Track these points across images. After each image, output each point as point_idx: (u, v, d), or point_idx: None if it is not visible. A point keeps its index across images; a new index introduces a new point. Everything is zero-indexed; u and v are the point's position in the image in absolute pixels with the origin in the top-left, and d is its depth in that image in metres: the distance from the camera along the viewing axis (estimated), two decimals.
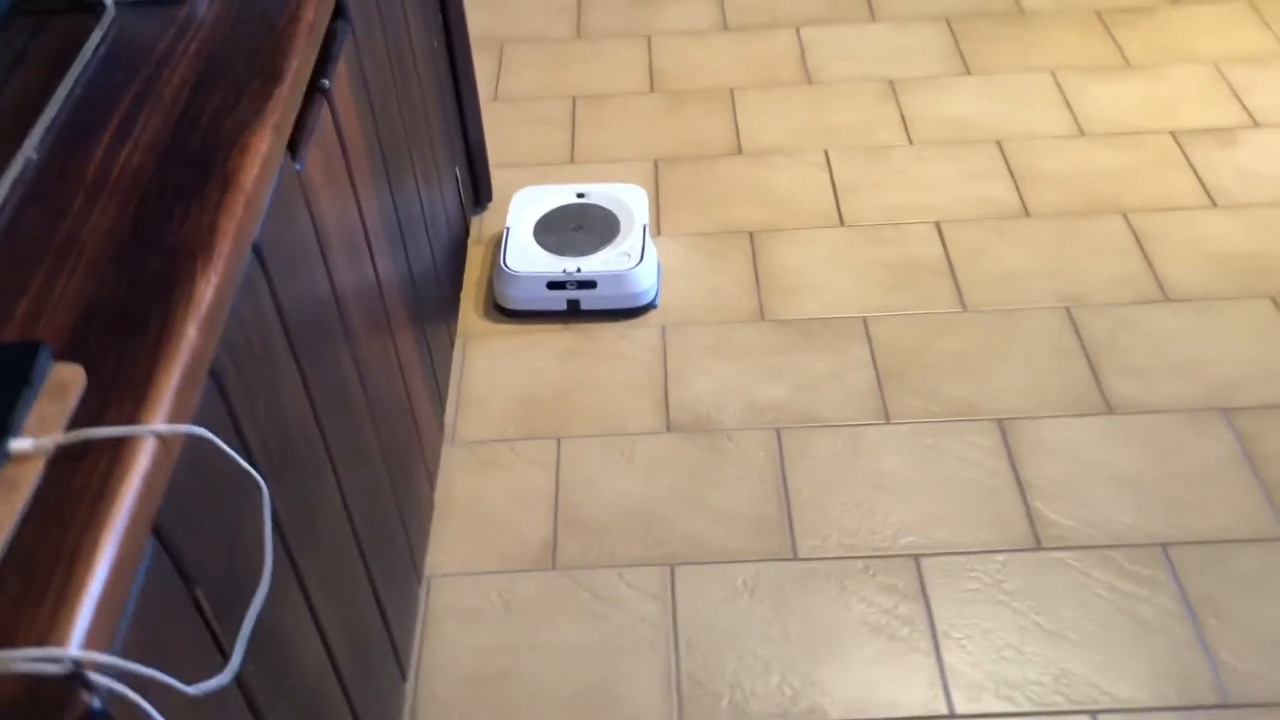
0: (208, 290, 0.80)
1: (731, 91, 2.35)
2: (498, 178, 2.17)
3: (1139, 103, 2.25)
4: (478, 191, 2.06)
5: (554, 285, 1.83)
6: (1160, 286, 1.87)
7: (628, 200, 1.95)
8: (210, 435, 0.75)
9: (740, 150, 2.20)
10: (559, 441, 1.69)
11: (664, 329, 1.85)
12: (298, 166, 1.04)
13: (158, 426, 0.71)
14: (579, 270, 1.80)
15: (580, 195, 1.95)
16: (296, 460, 0.99)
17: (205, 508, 0.79)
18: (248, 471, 0.85)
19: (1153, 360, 1.75)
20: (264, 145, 0.93)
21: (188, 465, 0.77)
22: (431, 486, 1.54)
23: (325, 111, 1.13)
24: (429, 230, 1.62)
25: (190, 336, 0.77)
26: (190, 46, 1.04)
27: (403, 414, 1.39)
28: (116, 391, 0.73)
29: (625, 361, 1.81)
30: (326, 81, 1.14)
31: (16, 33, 1.08)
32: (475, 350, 1.84)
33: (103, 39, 1.06)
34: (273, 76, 1.00)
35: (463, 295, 1.93)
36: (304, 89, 1.05)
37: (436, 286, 1.65)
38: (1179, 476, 1.59)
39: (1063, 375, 1.74)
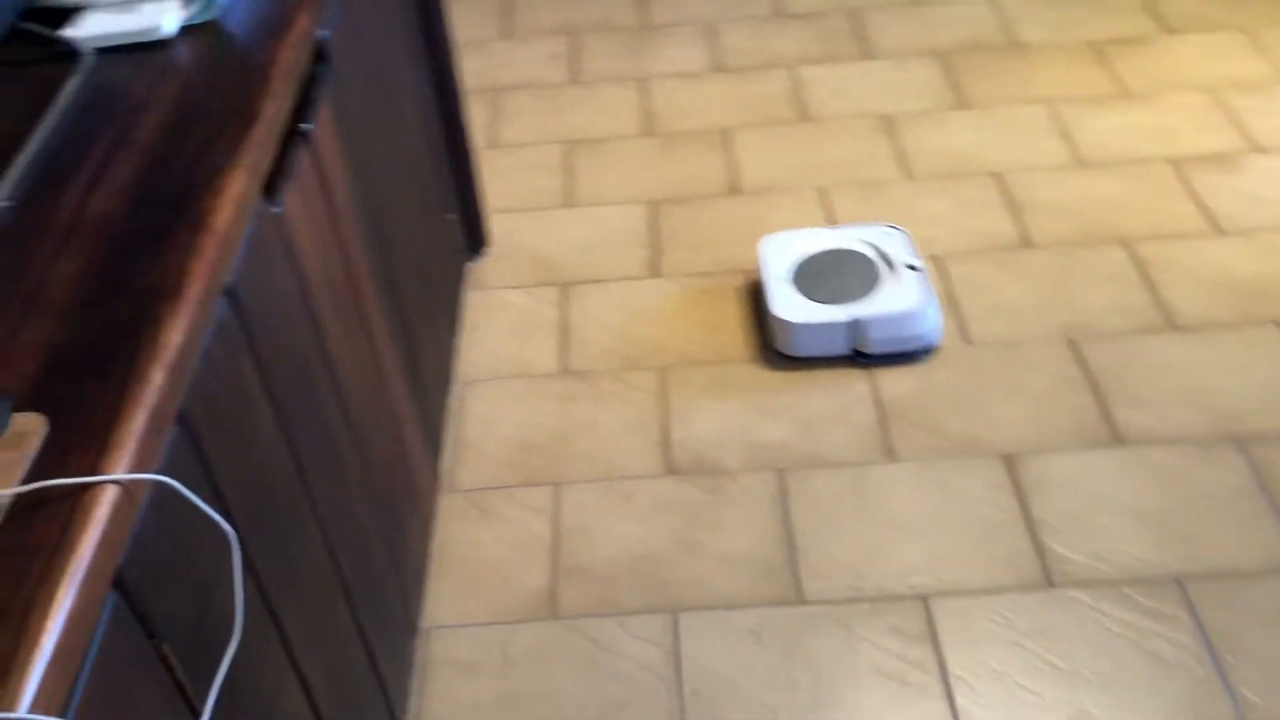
0: (175, 335, 0.78)
1: (727, 131, 2.34)
2: (495, 223, 2.15)
3: (1137, 132, 2.24)
4: (474, 237, 2.05)
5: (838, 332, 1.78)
6: (1165, 315, 1.84)
7: (881, 242, 1.90)
8: (174, 483, 0.73)
9: (737, 190, 2.19)
10: (557, 487, 1.66)
11: (663, 370, 1.83)
12: (276, 209, 1.02)
13: (119, 475, 0.69)
14: (856, 316, 1.76)
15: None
16: (275, 510, 0.96)
17: (173, 560, 0.76)
18: (217, 521, 0.82)
19: (1160, 390, 1.72)
20: (237, 186, 0.91)
21: (154, 516, 0.74)
22: (427, 537, 1.51)
23: (306, 155, 1.12)
24: (422, 275, 1.60)
25: (156, 382, 0.75)
26: (167, 91, 1.03)
27: (395, 463, 1.36)
28: (78, 439, 0.70)
29: (623, 404, 1.78)
30: (308, 124, 1.12)
31: None
32: (473, 396, 1.81)
33: (81, 86, 1.04)
34: (248, 118, 0.98)
35: (462, 341, 1.91)
36: (282, 131, 1.04)
37: (432, 331, 1.63)
38: (1192, 508, 1.55)
39: (1069, 408, 1.71)
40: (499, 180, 2.26)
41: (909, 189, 2.15)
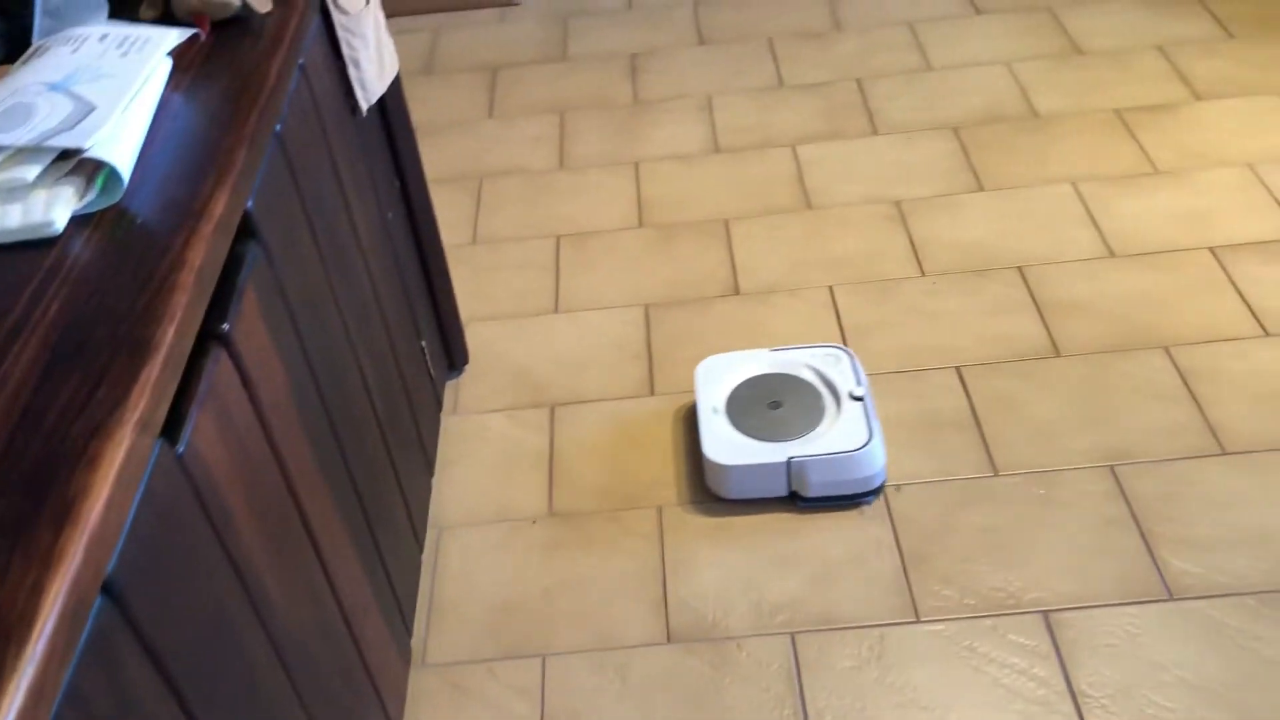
0: (16, 693, 0.61)
1: (726, 223, 2.17)
2: (476, 334, 1.99)
3: (1171, 215, 2.06)
4: (451, 356, 1.89)
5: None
6: (1215, 436, 1.66)
7: (825, 367, 1.72)
8: None
9: (738, 290, 2.02)
10: (544, 660, 1.49)
11: (660, 509, 1.66)
12: (180, 449, 0.86)
13: None
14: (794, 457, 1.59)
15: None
16: None
17: None
18: None
19: (1214, 530, 1.54)
20: (120, 453, 0.75)
21: None
22: None
23: (225, 362, 0.95)
24: (384, 428, 1.43)
25: None
26: (50, 308, 0.87)
27: (347, 672, 1.19)
28: None
29: (617, 553, 1.61)
30: (226, 325, 0.96)
31: None
32: (450, 545, 1.65)
33: None
34: (141, 351, 0.82)
35: (437, 479, 1.74)
36: (188, 349, 0.88)
37: (397, 489, 1.46)
38: (1257, 680, 1.37)
39: (1113, 552, 1.53)
40: (481, 281, 2.10)
41: (923, 287, 1.98)
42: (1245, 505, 1.57)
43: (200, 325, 0.94)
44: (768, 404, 1.67)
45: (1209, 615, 1.45)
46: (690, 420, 1.79)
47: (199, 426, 0.89)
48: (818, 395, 1.67)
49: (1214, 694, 1.37)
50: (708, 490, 1.66)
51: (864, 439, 1.60)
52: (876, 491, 1.63)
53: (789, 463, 1.59)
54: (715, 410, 1.68)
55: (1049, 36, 2.59)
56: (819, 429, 1.63)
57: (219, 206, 0.96)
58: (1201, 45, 2.50)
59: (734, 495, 1.64)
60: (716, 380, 1.73)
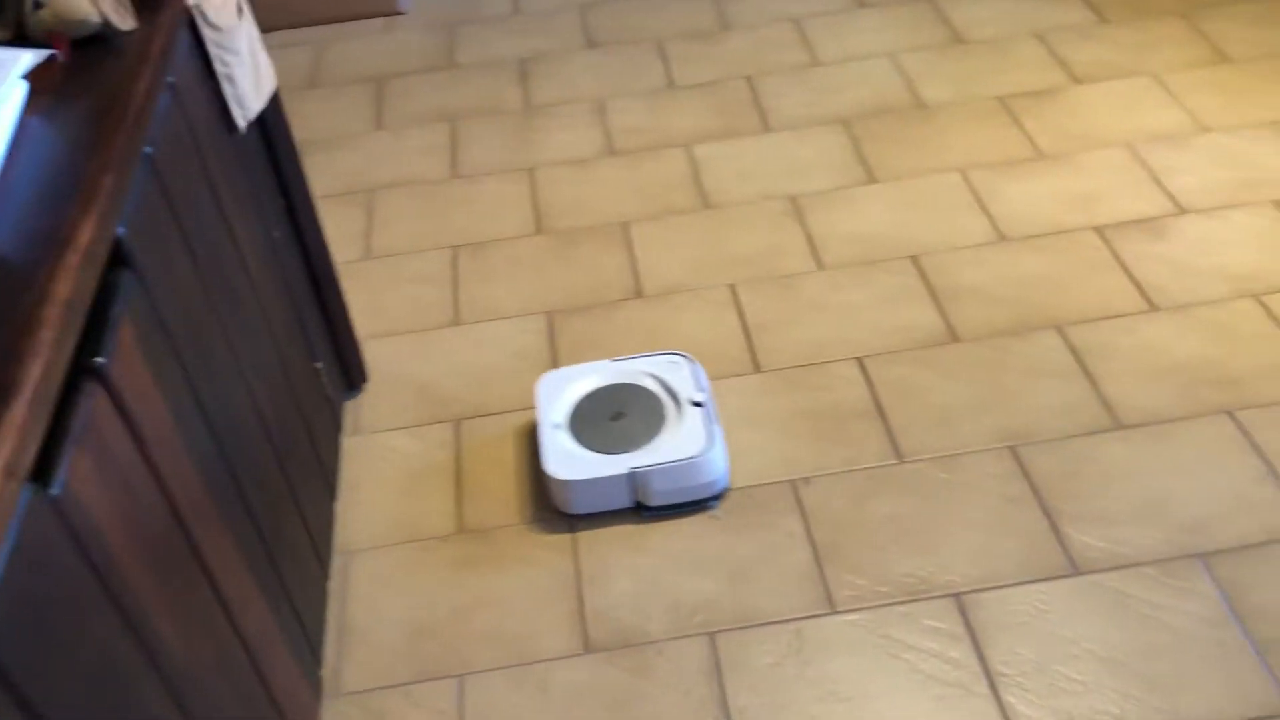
0: None
1: (625, 226, 2.16)
2: (373, 351, 1.95)
3: (1057, 198, 2.11)
4: (349, 376, 1.84)
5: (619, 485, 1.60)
6: (1109, 411, 1.71)
7: (666, 375, 1.72)
8: None
9: (640, 293, 2.01)
10: (461, 680, 1.46)
11: (573, 520, 1.64)
12: (55, 490, 0.81)
13: None
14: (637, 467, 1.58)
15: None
16: None
17: None
18: None
19: (1113, 503, 1.58)
20: None
21: None
22: None
23: (101, 397, 0.91)
24: (280, 455, 1.39)
25: None
26: None
27: (253, 708, 1.15)
28: None
29: (530, 566, 1.59)
30: (100, 359, 0.92)
31: None
32: (357, 570, 1.61)
33: None
34: (3, 392, 0.78)
35: (340, 504, 1.70)
36: (58, 387, 0.83)
37: (297, 516, 1.42)
38: (1161, 647, 1.41)
39: (1018, 531, 1.56)
40: (376, 298, 2.06)
41: (823, 281, 1.99)
42: (1141, 477, 1.61)
43: (72, 361, 0.90)
44: (610, 416, 1.66)
45: (1113, 587, 1.48)
46: None
47: (74, 467, 0.85)
48: (659, 404, 1.67)
49: (1121, 664, 1.39)
50: (553, 508, 1.64)
51: (705, 444, 1.60)
52: (720, 496, 1.63)
53: (631, 474, 1.59)
54: (556, 426, 1.66)
55: (931, 27, 2.64)
56: (660, 438, 1.63)
57: (85, 235, 0.92)
58: (1077, 31, 2.57)
59: (578, 510, 1.62)
60: (558, 395, 1.71)
